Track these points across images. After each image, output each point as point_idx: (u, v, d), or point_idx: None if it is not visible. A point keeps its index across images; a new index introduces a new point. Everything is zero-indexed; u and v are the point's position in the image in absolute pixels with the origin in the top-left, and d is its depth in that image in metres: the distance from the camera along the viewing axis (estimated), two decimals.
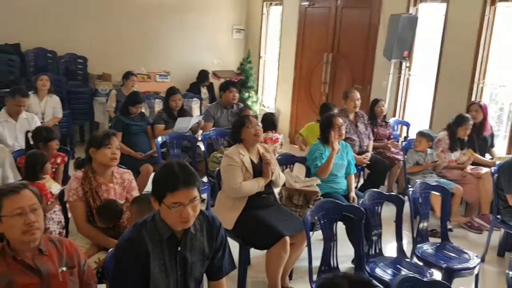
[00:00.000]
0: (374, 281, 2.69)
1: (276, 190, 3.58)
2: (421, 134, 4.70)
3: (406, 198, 3.52)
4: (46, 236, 1.95)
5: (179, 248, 1.91)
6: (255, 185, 3.15)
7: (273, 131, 4.78)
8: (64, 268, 1.86)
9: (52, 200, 3.18)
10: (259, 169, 3.22)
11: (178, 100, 4.99)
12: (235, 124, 3.38)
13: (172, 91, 5.03)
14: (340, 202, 3.02)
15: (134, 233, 1.87)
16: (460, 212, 4.72)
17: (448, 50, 5.42)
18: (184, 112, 5.10)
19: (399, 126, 6.11)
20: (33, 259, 1.82)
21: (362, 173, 5.42)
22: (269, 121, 4.83)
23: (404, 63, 5.96)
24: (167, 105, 5.03)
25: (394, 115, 6.14)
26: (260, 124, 3.37)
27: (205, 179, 4.51)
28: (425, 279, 2.02)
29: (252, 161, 3.23)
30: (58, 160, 3.79)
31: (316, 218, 2.89)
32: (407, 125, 6.01)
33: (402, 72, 6.04)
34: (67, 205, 2.78)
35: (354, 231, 2.95)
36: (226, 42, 8.51)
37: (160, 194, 1.82)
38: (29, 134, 3.69)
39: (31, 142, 3.63)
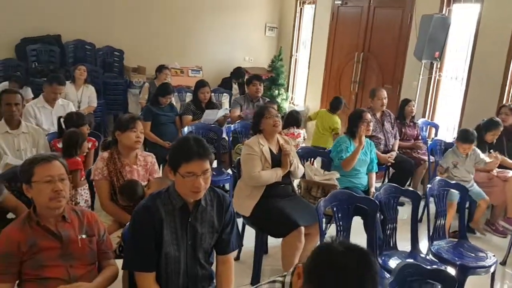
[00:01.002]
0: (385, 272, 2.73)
1: (296, 182, 3.65)
2: (471, 141, 4.12)
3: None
4: (70, 206, 2.11)
5: (190, 219, 2.02)
6: (273, 175, 3.22)
7: (295, 127, 4.85)
8: (84, 236, 2.01)
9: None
10: (278, 159, 3.29)
11: (207, 92, 5.13)
12: (255, 115, 3.46)
13: (201, 83, 5.18)
14: (354, 193, 3.06)
15: (149, 201, 2.01)
16: (486, 214, 4.65)
17: (480, 51, 5.33)
18: (212, 105, 5.24)
19: (428, 127, 6.03)
20: (55, 225, 1.97)
21: (386, 172, 5.40)
22: (293, 118, 4.92)
23: (435, 64, 5.90)
24: (196, 97, 5.17)
25: (423, 116, 6.08)
26: (278, 115, 3.44)
27: (229, 170, 4.62)
28: (427, 267, 2.05)
29: (271, 151, 3.30)
30: (89, 145, 3.96)
31: (329, 209, 2.94)
32: (436, 126, 5.94)
33: (433, 73, 5.98)
34: (94, 183, 2.95)
35: (368, 222, 2.99)
36: (259, 39, 8.63)
37: (176, 163, 1.95)
38: (62, 120, 3.88)
39: (63, 127, 3.82)
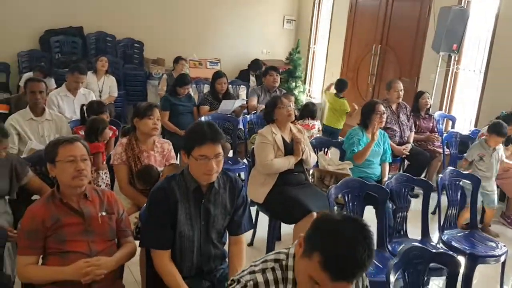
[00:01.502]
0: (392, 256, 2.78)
1: (310, 172, 3.71)
2: (504, 134, 3.94)
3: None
4: (91, 186, 2.23)
5: (203, 201, 2.12)
6: (286, 163, 3.29)
7: (310, 118, 4.92)
8: (104, 213, 2.13)
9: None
10: (290, 147, 3.36)
11: (224, 83, 5.22)
12: (267, 105, 3.53)
13: (218, 74, 5.28)
14: (365, 181, 3.11)
15: (165, 183, 2.11)
16: (502, 208, 4.65)
17: (499, 44, 5.29)
18: (229, 96, 5.33)
19: (444, 120, 6.02)
20: (78, 202, 2.09)
21: (401, 164, 5.42)
22: (308, 110, 4.99)
23: (453, 57, 5.87)
24: (213, 88, 5.28)
25: (440, 109, 6.06)
26: (292, 104, 3.50)
27: (244, 160, 4.71)
28: (433, 250, 2.10)
29: (284, 140, 3.37)
30: (110, 133, 4.09)
31: (341, 197, 3.00)
32: (453, 119, 5.91)
33: (451, 65, 5.96)
34: (113, 168, 3.07)
35: (378, 210, 3.04)
36: (277, 32, 8.68)
37: (189, 147, 2.04)
38: (84, 107, 4.03)
39: (86, 115, 3.96)
